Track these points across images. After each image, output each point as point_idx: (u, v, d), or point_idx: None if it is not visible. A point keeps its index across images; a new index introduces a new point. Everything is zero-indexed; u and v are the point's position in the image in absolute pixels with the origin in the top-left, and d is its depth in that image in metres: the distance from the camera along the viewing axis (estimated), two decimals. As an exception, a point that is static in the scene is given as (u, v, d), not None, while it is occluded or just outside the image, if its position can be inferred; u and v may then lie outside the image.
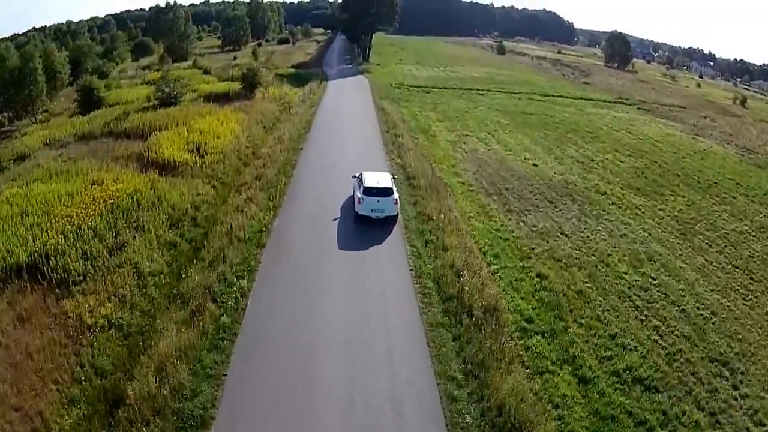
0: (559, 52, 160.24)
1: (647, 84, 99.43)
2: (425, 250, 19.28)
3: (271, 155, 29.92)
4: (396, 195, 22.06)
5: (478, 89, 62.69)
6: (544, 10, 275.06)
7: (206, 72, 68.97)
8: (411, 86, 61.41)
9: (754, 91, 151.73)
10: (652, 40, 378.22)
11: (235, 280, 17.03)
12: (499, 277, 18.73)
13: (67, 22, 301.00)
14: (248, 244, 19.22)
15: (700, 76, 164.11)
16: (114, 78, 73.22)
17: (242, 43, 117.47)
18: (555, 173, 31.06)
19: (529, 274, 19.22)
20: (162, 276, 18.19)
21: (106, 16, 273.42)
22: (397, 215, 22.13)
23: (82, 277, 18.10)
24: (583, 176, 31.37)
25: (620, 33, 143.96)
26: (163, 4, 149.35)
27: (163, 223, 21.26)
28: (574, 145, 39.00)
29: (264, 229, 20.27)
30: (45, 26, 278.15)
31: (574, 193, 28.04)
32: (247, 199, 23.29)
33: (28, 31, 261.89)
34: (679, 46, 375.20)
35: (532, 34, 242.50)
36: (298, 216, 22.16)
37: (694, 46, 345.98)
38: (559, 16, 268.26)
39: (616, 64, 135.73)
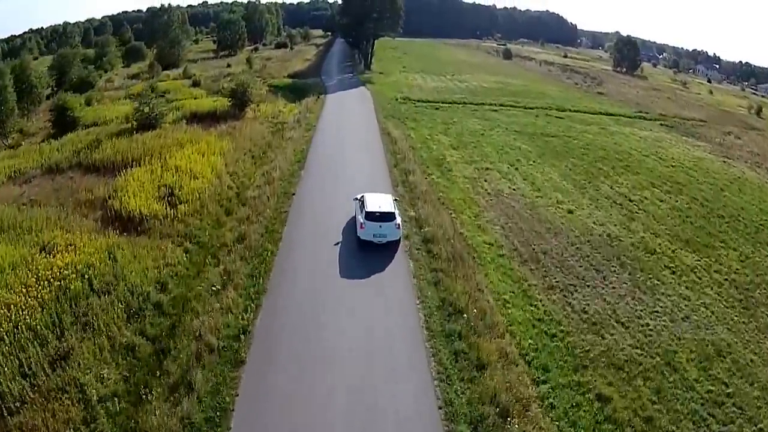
0: (565, 56, 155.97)
1: (661, 93, 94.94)
2: (455, 368, 14.56)
3: (258, 203, 25.33)
4: (398, 219, 21.62)
5: (490, 104, 58.09)
6: (547, 11, 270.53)
7: (196, 83, 64.34)
8: (418, 101, 56.85)
9: (762, 96, 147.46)
10: (654, 42, 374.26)
11: (204, 427, 12.52)
12: (552, 403, 14.24)
13: (63, 23, 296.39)
14: (222, 360, 14.57)
15: (709, 81, 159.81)
16: (99, 90, 68.71)
17: (238, 47, 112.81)
18: (595, 223, 26.50)
19: (587, 395, 14.71)
20: (116, 401, 13.77)
21: (102, 17, 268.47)
22: (399, 239, 21.57)
23: (20, 403, 13.79)
24: (625, 226, 26.83)
25: (628, 37, 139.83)
26: (159, 6, 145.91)
27: (119, 316, 16.72)
28: (607, 179, 34.48)
29: (243, 332, 15.63)
30: (42, 27, 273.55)
31: (622, 253, 23.50)
32: (225, 274, 18.74)
33: (25, 33, 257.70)
34: (682, 47, 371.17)
35: (536, 37, 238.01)
36: (287, 305, 17.58)
37: (698, 48, 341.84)
38: (562, 17, 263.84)
39: (624, 69, 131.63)
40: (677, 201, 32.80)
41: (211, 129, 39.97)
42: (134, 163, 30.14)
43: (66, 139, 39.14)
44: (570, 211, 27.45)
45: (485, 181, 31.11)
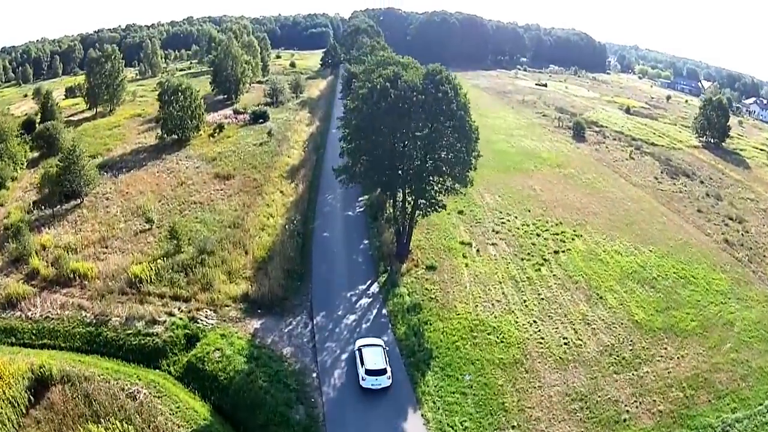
0: (627, 111, 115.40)
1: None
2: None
3: None
4: (389, 372, 26.32)
5: None
6: (573, 29, 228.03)
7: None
8: None
9: None
10: (674, 56, 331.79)
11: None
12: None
13: (41, 38, 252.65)
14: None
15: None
16: None
17: (192, 129, 70.88)
18: None
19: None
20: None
21: (73, 38, 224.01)
22: (390, 385, 26.09)
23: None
24: None
25: (719, 99, 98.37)
26: (99, 51, 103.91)
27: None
28: None
29: None
30: (14, 46, 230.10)
31: None
32: None
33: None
34: (701, 61, 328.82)
35: (565, 62, 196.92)
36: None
37: (730, 68, 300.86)
38: (590, 37, 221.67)
39: (712, 140, 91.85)
40: None
41: None
42: None
43: None
44: None
45: None
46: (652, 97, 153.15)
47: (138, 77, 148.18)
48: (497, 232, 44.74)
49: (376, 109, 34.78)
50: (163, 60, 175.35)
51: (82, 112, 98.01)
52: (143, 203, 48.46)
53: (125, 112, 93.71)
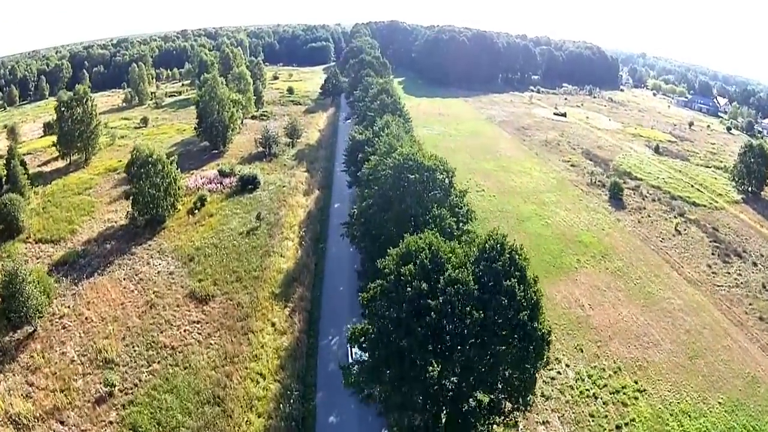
0: (657, 149, 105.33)
1: None
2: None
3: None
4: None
5: None
6: (584, 42, 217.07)
7: None
8: None
9: None
10: (683, 64, 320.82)
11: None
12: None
13: (31, 51, 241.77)
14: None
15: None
16: None
17: (167, 207, 60.47)
18: None
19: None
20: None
21: (66, 51, 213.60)
22: None
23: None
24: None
25: (760, 145, 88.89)
26: (69, 95, 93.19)
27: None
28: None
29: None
30: (2, 62, 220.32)
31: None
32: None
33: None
34: (708, 68, 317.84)
35: (578, 79, 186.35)
36: None
37: (739, 75, 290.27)
38: (602, 51, 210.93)
39: (750, 188, 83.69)
40: None
41: None
42: None
43: None
44: None
45: None
46: (675, 125, 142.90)
47: (124, 105, 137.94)
48: (547, 398, 34.74)
49: (404, 323, 23.79)
50: (154, 80, 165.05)
51: (56, 159, 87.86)
52: (104, 346, 38.56)
53: (100, 164, 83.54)
